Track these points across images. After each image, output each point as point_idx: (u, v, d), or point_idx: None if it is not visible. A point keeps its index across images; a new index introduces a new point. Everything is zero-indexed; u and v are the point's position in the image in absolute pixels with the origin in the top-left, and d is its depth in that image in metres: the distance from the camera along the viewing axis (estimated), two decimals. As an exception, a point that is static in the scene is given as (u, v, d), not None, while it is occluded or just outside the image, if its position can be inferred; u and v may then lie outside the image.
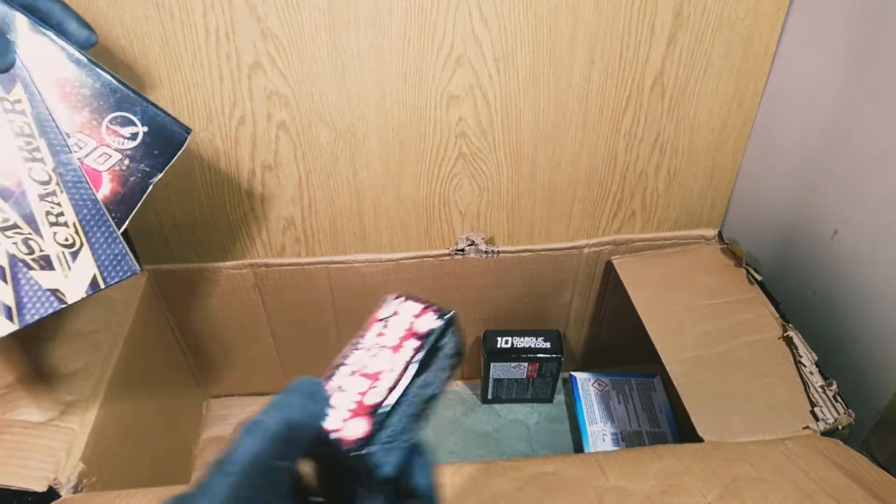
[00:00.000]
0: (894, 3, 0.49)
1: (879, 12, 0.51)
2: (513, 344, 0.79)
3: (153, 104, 0.40)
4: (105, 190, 0.39)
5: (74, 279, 0.39)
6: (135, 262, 0.41)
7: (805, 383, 0.57)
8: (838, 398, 0.55)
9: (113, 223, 0.40)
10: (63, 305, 0.39)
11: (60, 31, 0.37)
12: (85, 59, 0.38)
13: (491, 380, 0.82)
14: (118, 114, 0.39)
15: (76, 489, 0.50)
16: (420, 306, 0.31)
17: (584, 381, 0.84)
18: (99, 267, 0.40)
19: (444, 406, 0.87)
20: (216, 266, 0.72)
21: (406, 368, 0.28)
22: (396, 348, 0.29)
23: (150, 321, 0.69)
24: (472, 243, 0.73)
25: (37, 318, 0.38)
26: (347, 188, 0.67)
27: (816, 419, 0.54)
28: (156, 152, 0.41)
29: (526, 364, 0.80)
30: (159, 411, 0.72)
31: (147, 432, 0.67)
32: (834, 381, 0.56)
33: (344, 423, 0.26)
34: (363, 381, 0.28)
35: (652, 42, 0.59)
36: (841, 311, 0.59)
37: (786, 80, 0.62)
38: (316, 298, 0.76)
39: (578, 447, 0.79)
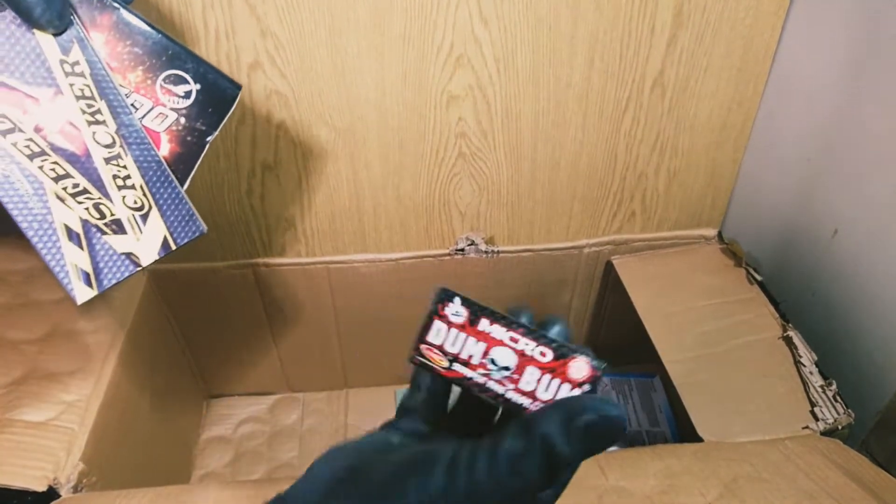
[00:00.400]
0: (894, 3, 0.49)
1: (879, 12, 0.51)
2: (513, 344, 0.79)
3: (202, 60, 0.39)
4: (164, 151, 0.39)
5: (146, 242, 0.39)
6: (202, 222, 0.41)
7: (805, 383, 0.57)
8: (838, 398, 0.55)
9: (177, 183, 0.40)
10: (138, 269, 0.39)
11: None
12: (134, 16, 0.37)
13: (491, 380, 0.82)
14: (171, 72, 0.38)
15: (76, 489, 0.50)
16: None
17: (584, 381, 0.84)
18: (169, 228, 0.40)
19: (444, 406, 0.87)
20: (216, 266, 0.72)
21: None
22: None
23: (150, 321, 0.69)
24: (472, 243, 0.73)
25: (114, 282, 0.38)
26: (347, 188, 0.66)
27: (816, 419, 0.54)
28: (209, 110, 0.40)
29: (526, 364, 0.80)
30: (159, 411, 0.72)
31: (147, 432, 0.67)
32: (834, 381, 0.56)
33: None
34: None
35: (652, 42, 0.59)
36: (841, 311, 0.59)
37: (786, 80, 0.62)
38: (316, 298, 0.76)
39: (578, 447, 0.79)
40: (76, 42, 0.36)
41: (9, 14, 0.34)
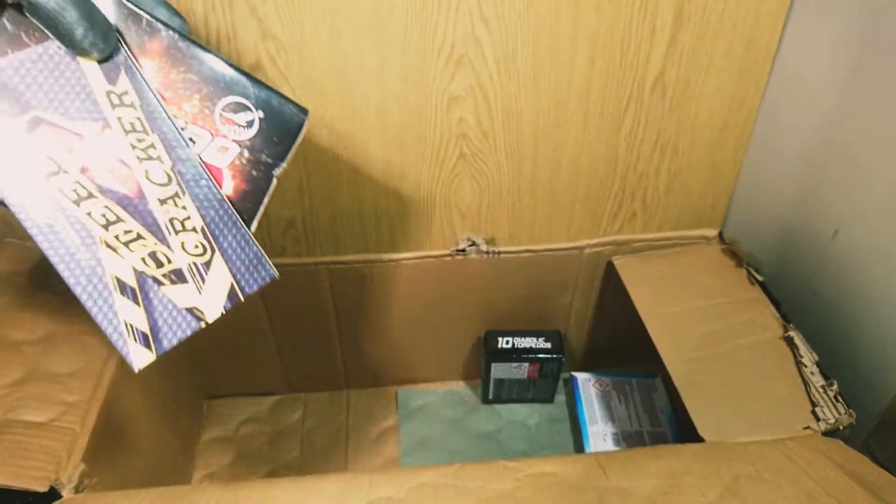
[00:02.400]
0: (895, 2, 0.49)
1: (881, 12, 0.51)
2: (514, 344, 0.79)
3: (264, 84, 0.36)
4: (228, 188, 0.35)
5: (210, 292, 0.35)
6: (272, 266, 0.36)
7: (806, 383, 0.57)
8: (839, 398, 0.55)
9: (243, 224, 0.36)
10: (202, 325, 0.35)
11: None
12: (188, 40, 0.34)
13: (492, 380, 0.82)
14: (231, 99, 0.35)
15: (77, 489, 0.50)
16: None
17: (585, 382, 0.84)
18: (235, 275, 0.36)
19: (445, 406, 0.87)
20: (217, 266, 0.72)
21: None
22: None
23: (151, 321, 0.68)
24: (473, 244, 0.73)
25: (175, 342, 0.34)
26: (348, 189, 0.67)
27: (817, 419, 0.54)
28: (275, 139, 0.36)
29: (527, 364, 0.80)
30: (160, 412, 0.72)
31: (148, 433, 0.67)
32: (835, 382, 0.56)
33: None
34: None
35: (653, 42, 0.59)
36: (842, 311, 0.59)
37: (787, 80, 0.62)
38: (316, 299, 0.76)
39: (579, 447, 0.79)
40: (124, 70, 0.33)
41: (52, 44, 0.31)
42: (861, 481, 0.47)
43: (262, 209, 0.37)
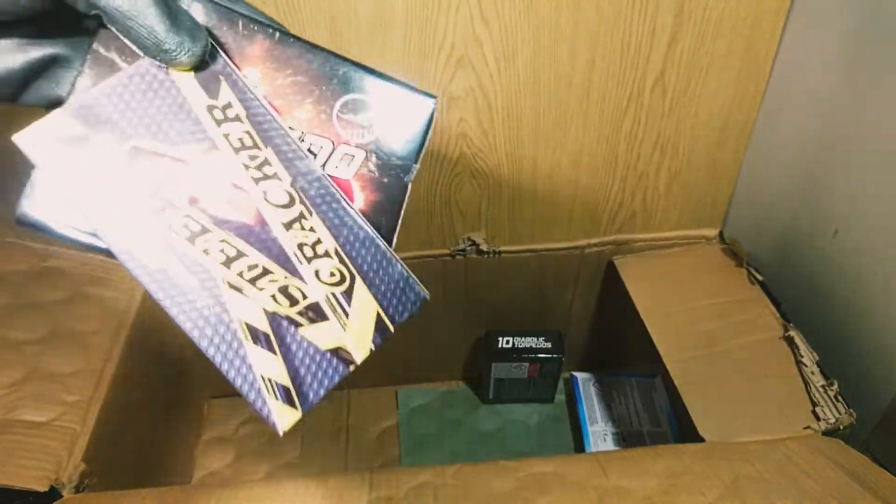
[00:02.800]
0: (894, 2, 0.49)
1: (881, 12, 0.51)
2: (514, 344, 0.79)
3: (381, 74, 0.31)
4: (359, 202, 0.31)
5: (356, 327, 0.29)
6: (421, 287, 0.31)
7: (806, 383, 0.57)
8: (839, 398, 0.55)
9: (382, 241, 0.31)
10: (351, 368, 0.29)
11: None
12: (290, 37, 0.30)
13: (492, 380, 0.82)
14: (348, 97, 0.30)
15: (78, 489, 0.50)
16: None
17: (586, 381, 0.84)
18: (381, 303, 0.30)
19: (446, 406, 0.87)
20: (217, 266, 0.72)
21: None
22: None
23: (151, 321, 0.69)
24: (473, 243, 0.73)
25: (322, 394, 0.28)
26: (348, 188, 0.66)
27: (818, 419, 0.54)
28: (404, 137, 0.31)
29: (527, 364, 0.80)
30: (160, 411, 0.72)
31: (148, 433, 0.67)
32: (835, 381, 0.56)
33: None
34: None
35: (653, 42, 0.59)
36: (842, 310, 0.59)
37: (787, 80, 0.62)
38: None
39: (579, 447, 0.79)
40: (223, 79, 0.28)
41: (144, 62, 0.27)
42: (861, 481, 0.47)
43: (399, 222, 0.32)
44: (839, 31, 0.55)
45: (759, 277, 0.68)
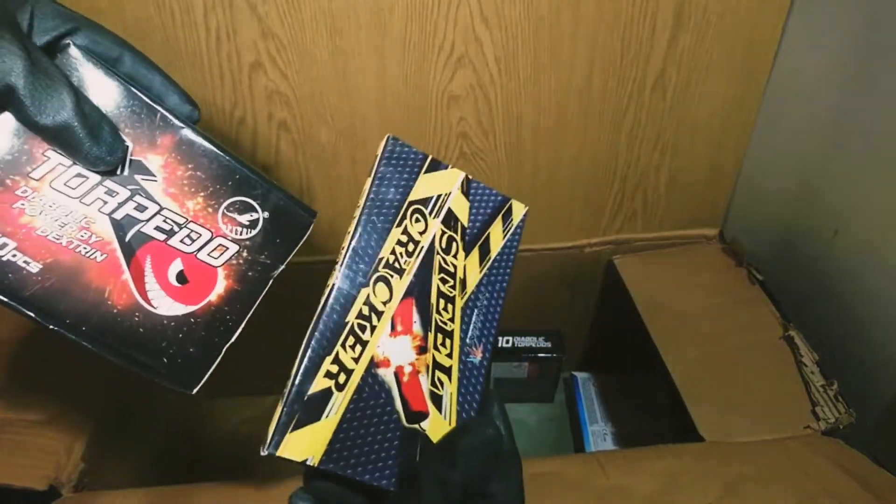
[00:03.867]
0: (895, 3, 0.49)
1: (881, 13, 0.51)
2: (514, 344, 0.79)
3: (275, 185, 0.35)
4: (220, 288, 0.34)
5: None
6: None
7: (806, 383, 0.57)
8: (839, 398, 0.55)
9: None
10: None
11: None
12: (199, 135, 0.33)
13: (492, 379, 0.82)
14: (237, 198, 0.34)
15: (77, 488, 0.50)
16: None
17: (585, 381, 0.84)
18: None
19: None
20: (217, 266, 0.72)
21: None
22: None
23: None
24: (473, 243, 0.72)
25: None
26: (348, 189, 0.66)
27: (817, 419, 0.54)
28: (277, 240, 0.35)
29: (527, 364, 0.80)
30: (160, 411, 0.72)
31: (147, 432, 0.67)
32: (835, 381, 0.56)
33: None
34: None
35: (653, 42, 0.59)
36: (842, 310, 0.59)
37: (787, 80, 0.62)
38: (317, 298, 0.76)
39: (579, 447, 0.79)
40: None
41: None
42: (861, 481, 0.47)
43: (252, 311, 0.35)
44: (839, 31, 0.55)
45: (760, 277, 0.68)
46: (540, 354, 0.79)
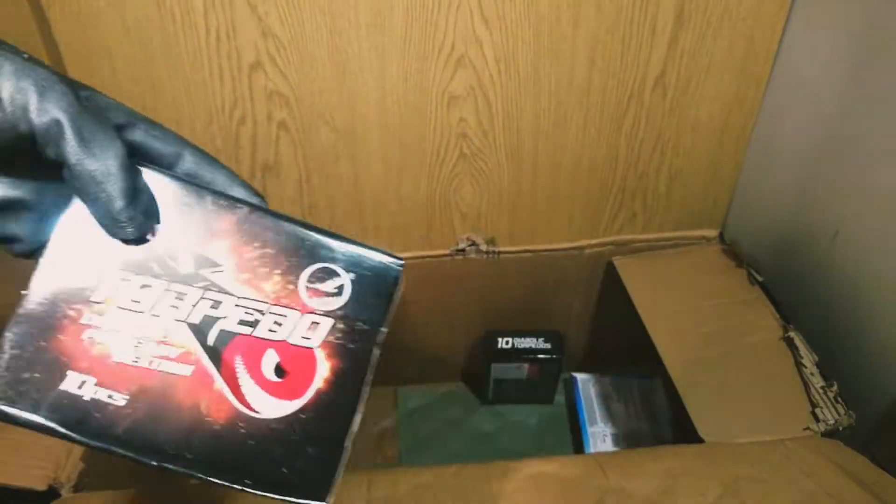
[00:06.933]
0: (895, 3, 0.49)
1: (881, 13, 0.51)
2: (513, 345, 0.79)
3: (349, 240, 0.32)
4: (323, 371, 0.30)
5: None
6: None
7: (806, 384, 0.57)
8: (839, 399, 0.55)
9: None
10: None
11: None
12: (260, 209, 0.30)
13: (491, 381, 0.82)
14: (315, 267, 0.31)
15: (76, 488, 0.50)
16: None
17: (585, 382, 0.84)
18: None
19: (445, 406, 0.87)
20: (217, 266, 0.72)
21: None
22: None
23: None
24: (473, 244, 0.73)
25: None
26: (348, 188, 0.67)
27: (817, 420, 0.54)
28: (370, 301, 0.32)
29: (527, 365, 0.80)
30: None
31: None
32: (835, 382, 0.56)
33: None
34: None
35: (653, 42, 0.59)
36: (842, 312, 0.59)
37: (787, 81, 0.62)
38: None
39: (579, 448, 0.79)
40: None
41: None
42: (861, 482, 0.47)
43: (367, 385, 0.31)
44: (840, 31, 0.55)
45: (759, 278, 0.68)
46: (539, 355, 0.79)
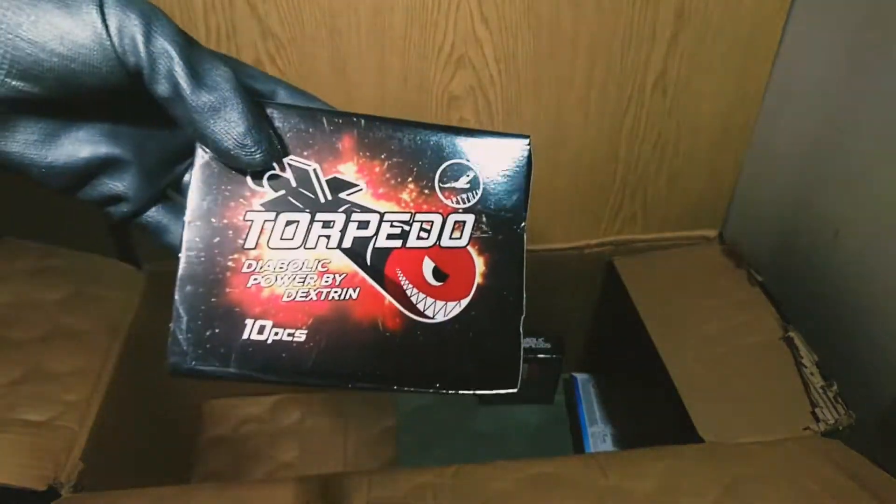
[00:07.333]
0: (895, 3, 0.49)
1: (881, 13, 0.51)
2: (513, 344, 0.79)
3: (473, 131, 0.31)
4: (480, 266, 0.31)
5: None
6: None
7: (806, 384, 0.57)
8: (839, 399, 0.55)
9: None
10: None
11: None
12: (377, 121, 0.30)
13: (491, 380, 0.82)
14: (444, 165, 0.30)
15: (76, 488, 0.50)
16: None
17: (585, 382, 0.84)
18: None
19: (445, 407, 0.87)
20: (217, 266, 0.72)
21: None
22: None
23: (149, 321, 0.68)
24: (473, 244, 0.72)
25: None
26: (348, 188, 0.66)
27: (817, 420, 0.54)
28: (506, 188, 0.32)
29: (526, 365, 0.80)
30: (160, 411, 0.72)
31: (147, 432, 0.67)
32: (835, 382, 0.56)
33: None
34: None
35: (653, 42, 0.59)
36: (842, 311, 0.59)
37: (788, 81, 0.62)
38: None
39: (579, 448, 0.79)
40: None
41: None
42: (861, 481, 0.47)
43: (524, 276, 0.33)
44: (840, 31, 0.55)
45: (759, 278, 0.68)
46: (539, 355, 0.79)
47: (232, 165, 0.27)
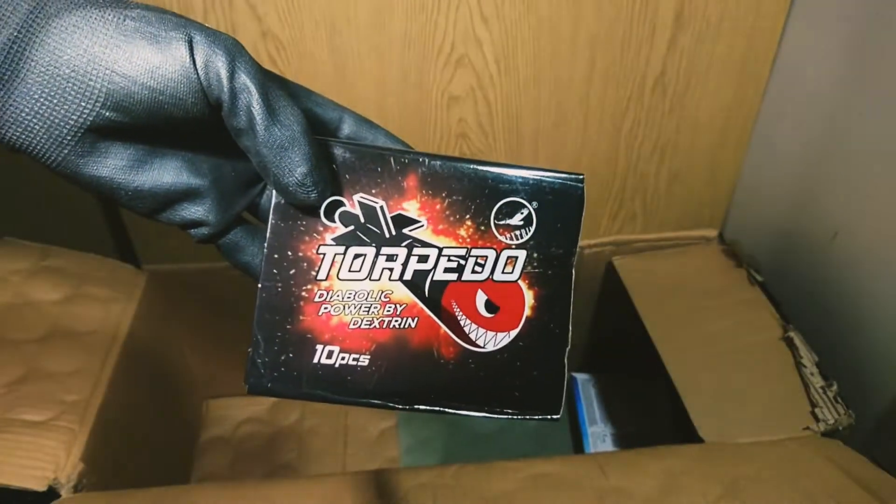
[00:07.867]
0: (895, 3, 0.49)
1: (880, 12, 0.51)
2: (513, 344, 0.79)
3: (526, 168, 0.32)
4: (529, 300, 0.33)
5: None
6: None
7: (805, 384, 0.57)
8: (839, 399, 0.55)
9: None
10: None
11: None
12: (439, 160, 0.31)
13: (491, 380, 0.82)
14: (500, 203, 0.31)
15: (76, 489, 0.50)
16: None
17: (585, 382, 0.84)
18: None
19: (445, 407, 0.87)
20: (216, 266, 0.72)
21: None
22: None
23: (150, 321, 0.69)
24: (473, 244, 0.72)
25: None
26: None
27: (817, 420, 0.54)
28: (558, 225, 0.33)
29: (526, 365, 0.79)
30: (159, 411, 0.72)
31: (147, 432, 0.67)
32: (834, 382, 0.56)
33: None
34: None
35: (653, 42, 0.59)
36: (842, 312, 0.59)
37: (787, 81, 0.62)
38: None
39: (579, 448, 0.79)
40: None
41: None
42: (861, 482, 0.47)
43: (570, 312, 0.34)
44: (839, 31, 0.55)
45: (759, 278, 0.68)
46: (539, 355, 0.78)
47: (287, 200, 0.28)
